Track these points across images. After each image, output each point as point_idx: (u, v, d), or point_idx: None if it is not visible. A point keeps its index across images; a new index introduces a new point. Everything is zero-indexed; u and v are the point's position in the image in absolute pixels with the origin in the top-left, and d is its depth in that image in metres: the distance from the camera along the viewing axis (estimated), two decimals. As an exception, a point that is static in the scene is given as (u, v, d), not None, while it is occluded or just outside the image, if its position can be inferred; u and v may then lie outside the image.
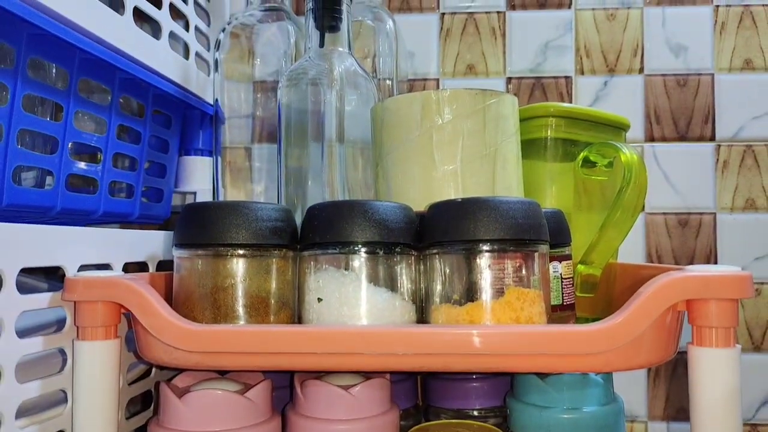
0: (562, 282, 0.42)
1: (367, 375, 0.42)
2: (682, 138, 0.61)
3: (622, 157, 0.45)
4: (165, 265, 0.48)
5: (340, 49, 0.48)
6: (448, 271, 0.36)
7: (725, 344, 0.32)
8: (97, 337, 0.35)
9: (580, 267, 0.47)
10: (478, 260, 0.35)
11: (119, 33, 0.42)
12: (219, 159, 0.54)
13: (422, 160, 0.42)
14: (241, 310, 0.36)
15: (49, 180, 0.41)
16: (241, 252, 0.36)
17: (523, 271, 0.35)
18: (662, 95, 0.61)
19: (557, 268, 0.42)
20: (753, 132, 0.60)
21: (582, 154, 0.49)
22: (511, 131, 0.43)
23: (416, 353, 0.32)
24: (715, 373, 0.32)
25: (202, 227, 0.36)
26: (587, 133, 0.50)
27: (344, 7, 0.49)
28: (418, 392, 0.54)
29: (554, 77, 0.62)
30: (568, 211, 0.51)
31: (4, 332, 0.32)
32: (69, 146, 0.40)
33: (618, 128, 0.52)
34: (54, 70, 0.41)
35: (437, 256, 0.36)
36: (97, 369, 0.35)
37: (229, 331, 0.33)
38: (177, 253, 0.37)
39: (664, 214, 0.61)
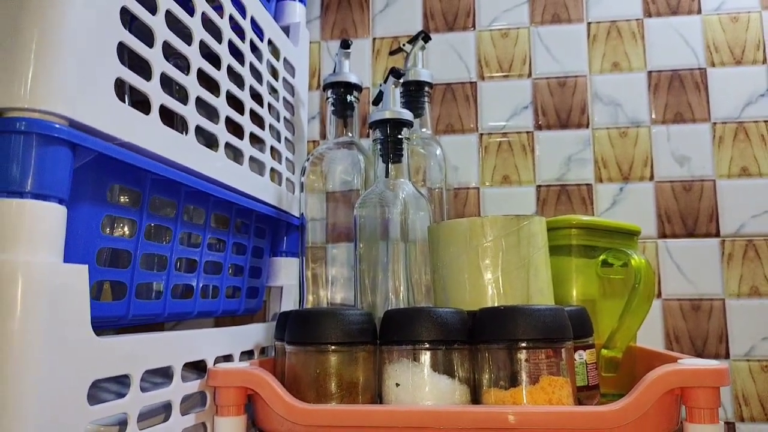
0: (587, 367, 0.52)
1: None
2: (691, 234, 0.71)
3: (633, 262, 0.56)
4: (264, 350, 0.60)
5: (401, 179, 0.62)
6: (494, 362, 0.47)
7: (711, 421, 0.42)
8: (231, 414, 0.47)
9: (604, 351, 0.57)
10: (518, 354, 0.46)
11: (240, 178, 0.55)
12: (304, 258, 0.67)
13: (471, 271, 0.54)
14: (336, 391, 0.48)
15: (187, 291, 0.54)
16: (335, 348, 0.48)
17: (553, 363, 0.46)
18: (671, 198, 0.72)
19: (582, 356, 0.52)
20: (753, 228, 0.70)
21: (601, 257, 0.60)
22: (540, 245, 0.55)
23: (473, 428, 0.43)
24: (704, 444, 0.41)
25: (308, 328, 0.49)
26: (604, 240, 0.61)
27: (405, 144, 0.62)
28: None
29: (577, 185, 0.74)
30: (594, 298, 0.62)
31: (173, 411, 0.44)
32: (204, 264, 0.54)
33: (630, 234, 0.63)
34: (192, 209, 0.55)
35: (486, 350, 0.48)
36: (231, 438, 0.47)
37: (329, 409, 0.45)
38: (289, 348, 0.50)
39: (679, 300, 0.70)
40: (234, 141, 0.55)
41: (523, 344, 0.46)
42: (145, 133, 0.40)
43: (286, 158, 0.70)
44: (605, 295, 0.62)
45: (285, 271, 0.71)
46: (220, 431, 0.47)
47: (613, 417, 0.41)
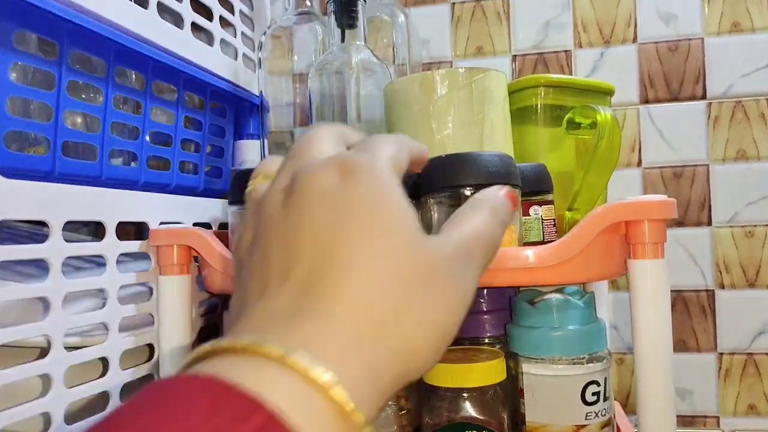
0: (542, 222, 0.50)
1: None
2: (675, 98, 0.67)
3: (598, 117, 0.53)
4: (225, 227, 0.59)
5: (358, 43, 0.58)
6: (439, 213, 0.45)
7: (655, 256, 0.39)
8: (174, 272, 0.47)
9: (567, 214, 0.55)
10: (462, 202, 0.44)
11: (181, 43, 0.53)
12: (266, 141, 0.65)
13: (423, 129, 0.51)
14: (279, 249, 0.47)
15: (132, 159, 0.53)
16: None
17: (497, 209, 0.44)
18: (655, 60, 0.67)
19: (538, 211, 0.50)
20: (742, 88, 0.65)
21: (567, 116, 0.57)
22: (496, 101, 0.52)
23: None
24: (647, 280, 0.39)
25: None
26: (574, 99, 0.58)
27: (360, 8, 0.58)
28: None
29: (555, 52, 0.70)
30: (571, 170, 0.59)
31: (108, 268, 0.44)
32: (148, 135, 0.52)
33: (604, 93, 0.59)
34: (133, 76, 0.53)
35: (430, 202, 0.46)
36: (175, 297, 0.47)
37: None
38: (230, 210, 0.49)
39: (660, 168, 0.67)
40: (172, 4, 0.52)
41: (468, 191, 0.44)
42: (42, -32, 0.38)
43: (243, 33, 0.67)
44: (583, 166, 0.59)
45: (251, 155, 0.70)
46: (164, 291, 0.47)
47: (549, 254, 0.39)
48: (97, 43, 0.45)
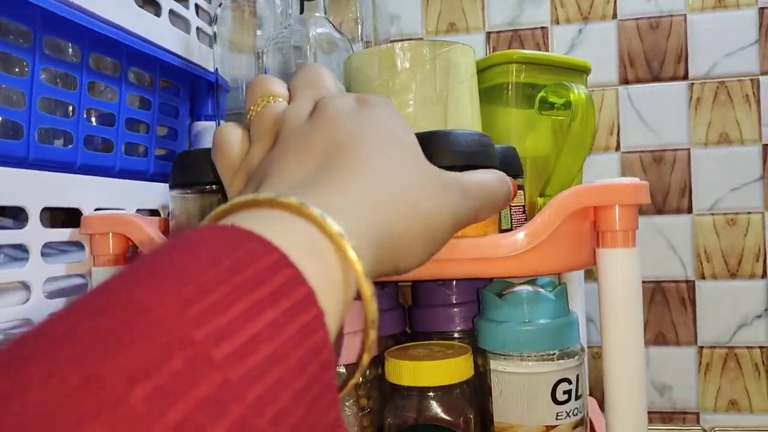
0: (510, 209, 0.47)
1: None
2: (656, 78, 0.63)
3: (571, 96, 0.49)
4: (176, 214, 0.55)
5: (317, 14, 0.54)
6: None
7: (626, 245, 0.36)
8: (110, 263, 0.43)
9: (539, 200, 0.52)
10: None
11: (123, 13, 0.49)
12: (221, 123, 0.61)
13: (382, 107, 0.47)
14: (223, 237, 0.43)
15: (67, 139, 0.49)
16: (218, 188, 0.43)
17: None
18: (635, 38, 0.64)
19: (506, 196, 0.47)
20: (726, 68, 0.62)
21: (539, 95, 0.53)
22: (462, 77, 0.48)
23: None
24: (617, 271, 0.36)
25: (190, 170, 0.43)
26: (548, 77, 0.54)
27: (320, -25, 0.54)
28: (406, 320, 0.60)
29: (531, 29, 0.66)
30: (547, 154, 0.56)
31: (31, 258, 0.40)
32: (85, 112, 0.48)
33: (579, 71, 0.56)
34: (70, 49, 0.49)
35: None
36: (111, 290, 0.43)
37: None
38: (171, 194, 0.45)
39: (640, 152, 0.64)
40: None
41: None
42: None
43: (197, 5, 0.63)
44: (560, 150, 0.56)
45: (209, 137, 0.66)
46: (98, 283, 0.43)
47: (509, 243, 0.36)
48: (22, 8, 0.40)
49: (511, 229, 0.47)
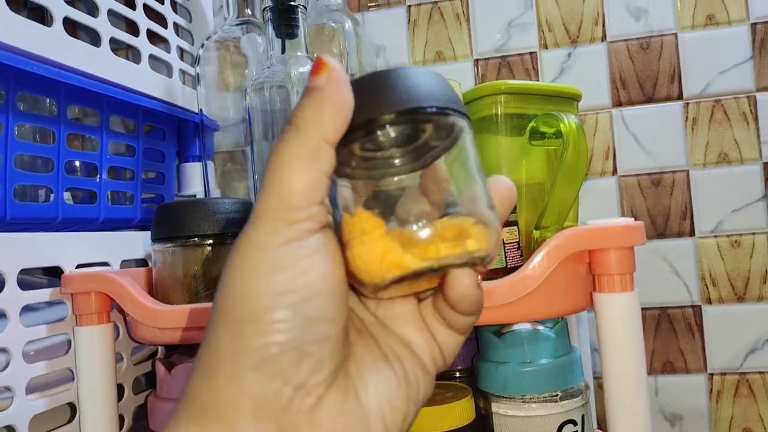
0: (504, 247, 0.45)
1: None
2: (649, 100, 0.62)
3: (562, 126, 0.48)
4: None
5: (299, 53, 0.53)
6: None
7: (624, 289, 0.34)
8: (92, 322, 0.42)
9: (535, 233, 0.50)
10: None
11: (99, 63, 0.48)
12: (208, 163, 0.60)
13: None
14: (204, 293, 0.41)
15: (48, 195, 0.48)
16: (199, 241, 0.41)
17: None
18: (626, 60, 0.62)
19: (499, 234, 0.45)
20: (721, 86, 0.61)
21: (529, 125, 0.52)
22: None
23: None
24: (617, 316, 0.34)
25: (170, 223, 0.42)
26: (537, 107, 0.53)
27: (300, 16, 0.53)
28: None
29: (519, 54, 0.65)
30: (542, 181, 0.54)
31: (9, 323, 0.38)
32: (65, 164, 0.47)
33: (570, 99, 0.54)
34: (47, 101, 0.48)
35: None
36: (95, 349, 0.41)
37: (187, 308, 0.39)
38: (153, 248, 0.43)
39: (637, 175, 0.62)
40: (85, 18, 0.47)
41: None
42: None
43: (179, 47, 0.62)
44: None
45: (198, 178, 0.65)
46: (81, 343, 0.41)
47: (502, 291, 0.34)
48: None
49: (506, 268, 0.46)
